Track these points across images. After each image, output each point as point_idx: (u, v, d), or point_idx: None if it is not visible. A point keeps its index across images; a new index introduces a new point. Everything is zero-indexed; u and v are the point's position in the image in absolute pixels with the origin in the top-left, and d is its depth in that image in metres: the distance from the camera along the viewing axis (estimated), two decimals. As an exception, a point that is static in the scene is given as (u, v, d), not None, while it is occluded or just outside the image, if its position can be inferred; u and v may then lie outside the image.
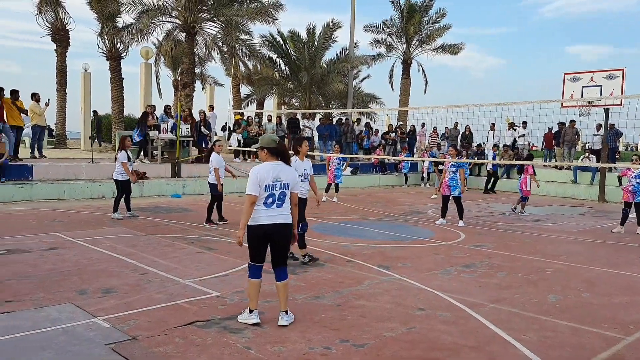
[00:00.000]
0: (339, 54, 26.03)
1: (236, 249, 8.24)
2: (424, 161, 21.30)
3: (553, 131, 21.08)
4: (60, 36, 23.90)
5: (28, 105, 15.72)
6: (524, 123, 21.04)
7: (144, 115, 16.98)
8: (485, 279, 6.96)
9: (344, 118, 23.06)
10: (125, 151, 10.84)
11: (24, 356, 4.07)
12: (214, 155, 10.48)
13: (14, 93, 14.50)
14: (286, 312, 4.96)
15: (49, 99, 16.63)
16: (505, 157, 19.52)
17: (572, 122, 19.32)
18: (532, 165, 13.66)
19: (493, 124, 21.52)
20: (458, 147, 14.20)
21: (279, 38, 25.40)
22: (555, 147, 21.10)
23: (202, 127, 18.31)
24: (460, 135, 23.41)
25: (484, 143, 22.38)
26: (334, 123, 22.71)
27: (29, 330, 4.58)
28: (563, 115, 18.91)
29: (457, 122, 22.97)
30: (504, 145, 20.93)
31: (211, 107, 21.45)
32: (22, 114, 14.81)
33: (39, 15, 23.52)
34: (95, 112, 25.53)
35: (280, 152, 5.00)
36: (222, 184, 10.37)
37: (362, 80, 31.23)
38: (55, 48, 24.10)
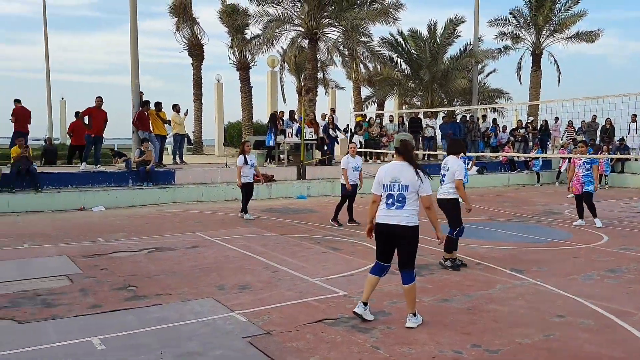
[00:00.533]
0: (462, 49, 25.21)
1: (360, 249, 8.34)
2: (563, 158, 19.85)
3: None
4: (196, 50, 25.88)
5: (169, 115, 17.21)
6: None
7: (273, 117, 17.69)
8: (634, 285, 6.33)
9: (468, 115, 22.29)
10: (243, 155, 11.25)
11: (174, 345, 4.46)
12: (344, 157, 10.80)
13: (158, 105, 15.96)
14: (414, 314, 4.91)
15: (187, 109, 18.08)
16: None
17: None
18: None
19: (634, 115, 19.49)
20: (597, 142, 13.01)
21: (399, 37, 25.22)
22: None
23: (330, 129, 18.80)
24: (600, 129, 21.51)
25: (625, 137, 20.35)
26: (458, 121, 22.03)
27: (177, 321, 5.01)
28: None
29: (595, 115, 21.10)
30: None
31: (332, 110, 21.89)
32: (165, 124, 16.24)
33: (177, 32, 25.71)
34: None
35: (401, 151, 4.97)
36: (351, 185, 10.46)
37: (487, 75, 29.90)
38: (191, 62, 26.15)
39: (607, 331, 4.78)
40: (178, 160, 17.59)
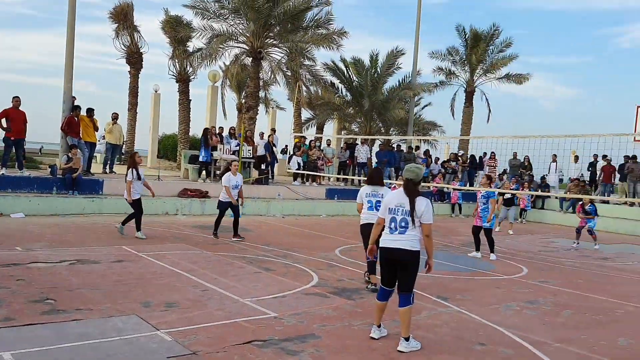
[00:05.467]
0: (401, 80, 26.00)
1: (293, 271, 8.31)
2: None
3: (616, 164, 20.14)
4: (134, 58, 25.18)
5: (104, 123, 16.64)
6: (595, 156, 20.35)
7: (205, 132, 17.48)
8: (550, 317, 6.68)
9: (402, 144, 22.94)
10: (133, 169, 10.48)
11: (92, 363, 4.24)
12: (225, 175, 11.20)
13: (90, 111, 15.36)
14: (406, 338, 5.08)
15: (113, 119, 17.33)
16: (573, 191, 18.79)
17: (634, 157, 18.54)
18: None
19: (555, 155, 20.86)
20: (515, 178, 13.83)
21: (341, 64, 25.69)
22: (620, 182, 20.14)
23: (274, 148, 18.91)
24: (520, 166, 22.81)
25: (546, 175, 21.70)
26: (394, 149, 22.60)
27: (98, 338, 4.77)
28: (637, 150, 18.03)
29: (515, 152, 22.37)
30: (571, 179, 20.20)
31: (273, 130, 21.90)
32: (96, 132, 15.63)
33: (116, 39, 24.94)
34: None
35: (406, 182, 5.28)
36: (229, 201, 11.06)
37: (423, 108, 30.92)
38: (129, 69, 25.41)
39: (525, 360, 5.00)
40: (108, 169, 16.94)
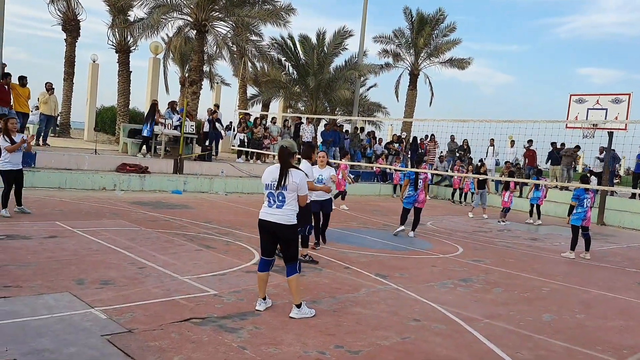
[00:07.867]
0: (347, 61, 26.06)
1: (234, 248, 8.27)
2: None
3: (545, 150, 21.13)
4: (71, 26, 23.96)
5: (38, 93, 15.82)
6: (530, 142, 21.24)
7: (153, 107, 16.87)
8: (481, 294, 6.98)
9: (348, 124, 23.12)
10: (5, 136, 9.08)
11: (21, 341, 4.08)
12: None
13: (22, 79, 14.54)
14: (297, 305, 5.26)
15: (48, 89, 16.57)
16: (506, 174, 19.56)
17: (562, 145, 19.64)
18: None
19: (492, 140, 21.60)
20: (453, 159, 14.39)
21: (289, 41, 25.44)
22: (552, 166, 21.13)
23: (217, 125, 18.57)
24: (458, 148, 23.51)
25: (484, 158, 22.48)
26: (344, 130, 22.74)
27: (27, 316, 4.59)
28: (568, 137, 18.94)
29: (453, 135, 22.99)
30: (506, 162, 21.00)
31: (216, 106, 21.49)
32: (28, 101, 14.84)
33: (51, 4, 23.60)
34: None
35: (278, 156, 5.37)
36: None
37: (368, 89, 31.24)
38: (65, 37, 24.16)
39: (456, 335, 5.21)
40: (41, 142, 16.16)
